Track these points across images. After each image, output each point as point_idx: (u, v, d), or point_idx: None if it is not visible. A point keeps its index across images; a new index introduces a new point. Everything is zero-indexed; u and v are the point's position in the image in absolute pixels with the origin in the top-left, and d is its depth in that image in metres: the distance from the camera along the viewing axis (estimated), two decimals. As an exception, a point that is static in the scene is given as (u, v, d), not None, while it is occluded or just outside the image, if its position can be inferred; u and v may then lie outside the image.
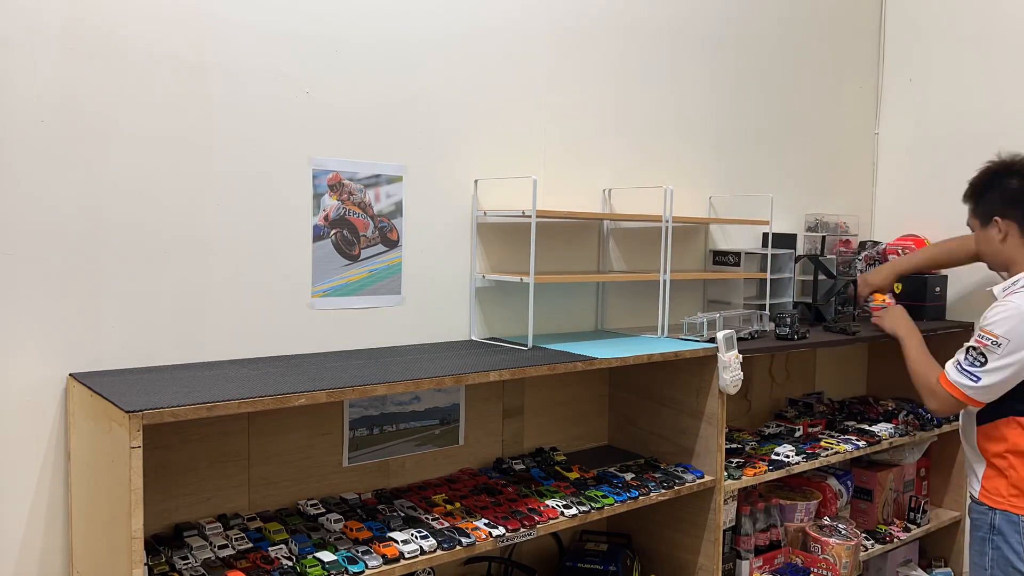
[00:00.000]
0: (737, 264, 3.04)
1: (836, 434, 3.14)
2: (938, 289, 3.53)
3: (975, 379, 2.32)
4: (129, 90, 1.93)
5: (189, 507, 2.05)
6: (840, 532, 2.97)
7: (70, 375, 1.87)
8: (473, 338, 2.54)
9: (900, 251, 3.57)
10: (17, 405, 1.84)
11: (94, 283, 1.91)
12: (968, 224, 2.56)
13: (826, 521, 3.05)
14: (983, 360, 2.29)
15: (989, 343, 2.29)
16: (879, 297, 3.08)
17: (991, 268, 2.56)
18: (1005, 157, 2.45)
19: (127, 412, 1.52)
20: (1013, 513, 2.31)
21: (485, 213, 2.50)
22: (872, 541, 3.19)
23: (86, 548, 1.82)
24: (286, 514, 2.12)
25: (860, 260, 3.68)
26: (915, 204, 3.78)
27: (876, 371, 3.85)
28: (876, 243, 3.75)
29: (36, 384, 1.85)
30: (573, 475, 2.48)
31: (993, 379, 2.29)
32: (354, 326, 2.31)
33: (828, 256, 3.42)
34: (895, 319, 2.83)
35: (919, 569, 3.49)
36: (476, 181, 2.52)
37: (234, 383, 1.80)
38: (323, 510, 2.13)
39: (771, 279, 3.06)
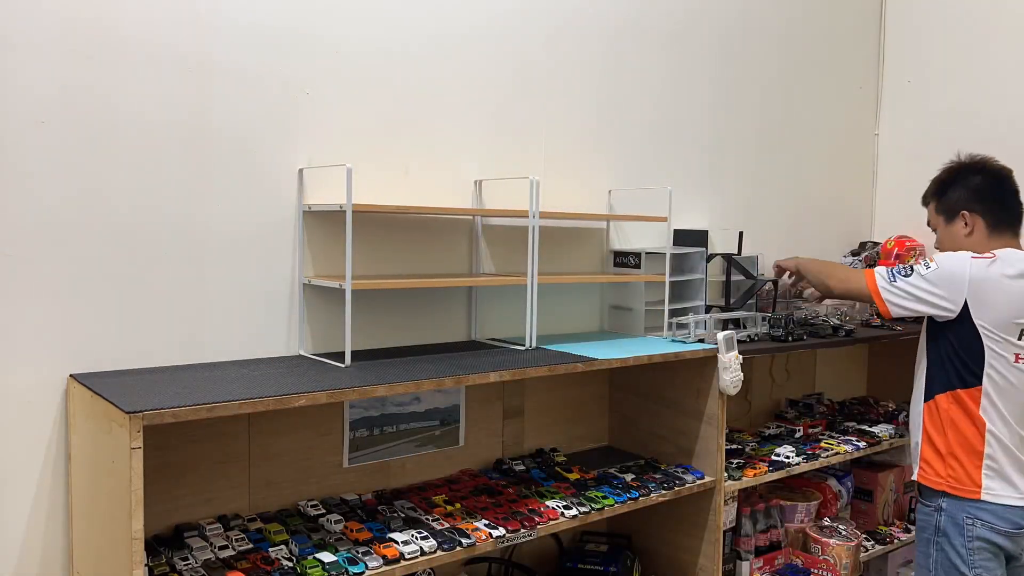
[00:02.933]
0: (638, 266, 2.76)
1: (836, 435, 3.14)
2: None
3: (891, 278, 2.34)
4: (129, 91, 1.93)
5: (189, 508, 2.05)
6: (840, 533, 2.97)
7: (70, 376, 1.87)
8: (302, 353, 2.23)
9: (896, 252, 3.58)
10: (17, 406, 1.84)
11: (94, 284, 1.91)
12: (929, 223, 2.54)
13: (826, 522, 3.05)
14: (908, 272, 2.32)
15: (923, 262, 2.32)
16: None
17: None
18: (965, 158, 2.46)
19: (127, 413, 1.52)
20: (955, 496, 2.28)
21: (310, 207, 2.20)
22: (872, 542, 3.19)
23: (86, 548, 1.82)
24: (286, 515, 2.12)
25: (860, 261, 3.68)
26: (915, 204, 3.74)
27: (876, 372, 3.85)
28: (876, 243, 3.75)
29: (36, 385, 1.85)
30: (573, 476, 2.47)
31: (907, 288, 2.31)
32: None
33: (748, 256, 3.15)
34: (805, 265, 2.71)
35: (919, 570, 3.48)
36: (301, 170, 2.21)
37: (234, 384, 1.80)
38: (323, 511, 2.13)
39: (680, 280, 2.79)
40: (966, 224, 2.38)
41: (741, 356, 2.53)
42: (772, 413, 3.42)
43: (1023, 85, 3.40)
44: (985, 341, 2.24)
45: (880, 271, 2.40)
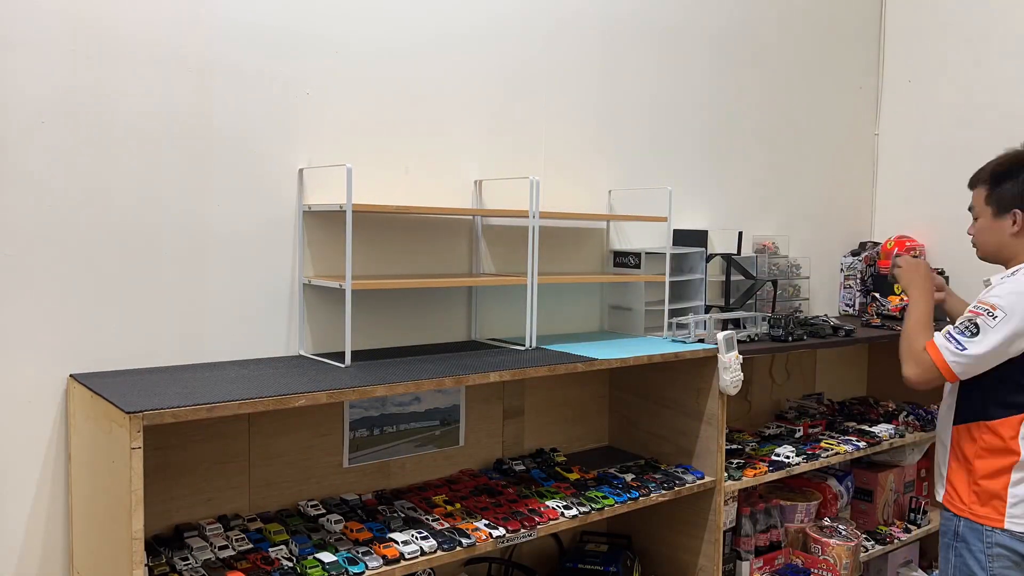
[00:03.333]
0: (638, 266, 2.77)
1: (836, 435, 3.14)
2: (938, 290, 3.53)
3: (960, 347, 2.15)
4: (129, 91, 1.93)
5: (189, 508, 2.05)
6: (840, 533, 2.97)
7: (70, 376, 1.87)
8: (302, 353, 2.23)
9: (897, 250, 3.58)
10: (17, 406, 1.84)
11: (94, 284, 1.92)
12: (972, 209, 2.36)
13: (826, 522, 3.05)
14: (975, 330, 2.15)
15: (984, 312, 2.15)
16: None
17: (985, 258, 2.37)
18: None
19: (127, 413, 1.52)
20: (974, 521, 2.20)
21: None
22: (872, 542, 3.18)
23: (86, 548, 1.82)
24: (286, 515, 2.12)
25: (860, 260, 3.68)
26: (915, 204, 3.78)
27: (876, 372, 3.85)
28: (876, 243, 3.75)
29: (36, 385, 1.86)
30: (573, 476, 2.47)
31: (978, 350, 2.13)
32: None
33: (748, 255, 3.18)
34: (912, 275, 2.46)
35: (919, 570, 3.48)
36: (301, 170, 2.21)
37: (234, 384, 1.80)
38: (323, 511, 2.13)
39: (679, 280, 2.80)
40: (1015, 223, 2.24)
41: (741, 356, 2.53)
42: (772, 413, 3.42)
43: (1023, 85, 3.40)
44: None
45: (938, 337, 2.21)
